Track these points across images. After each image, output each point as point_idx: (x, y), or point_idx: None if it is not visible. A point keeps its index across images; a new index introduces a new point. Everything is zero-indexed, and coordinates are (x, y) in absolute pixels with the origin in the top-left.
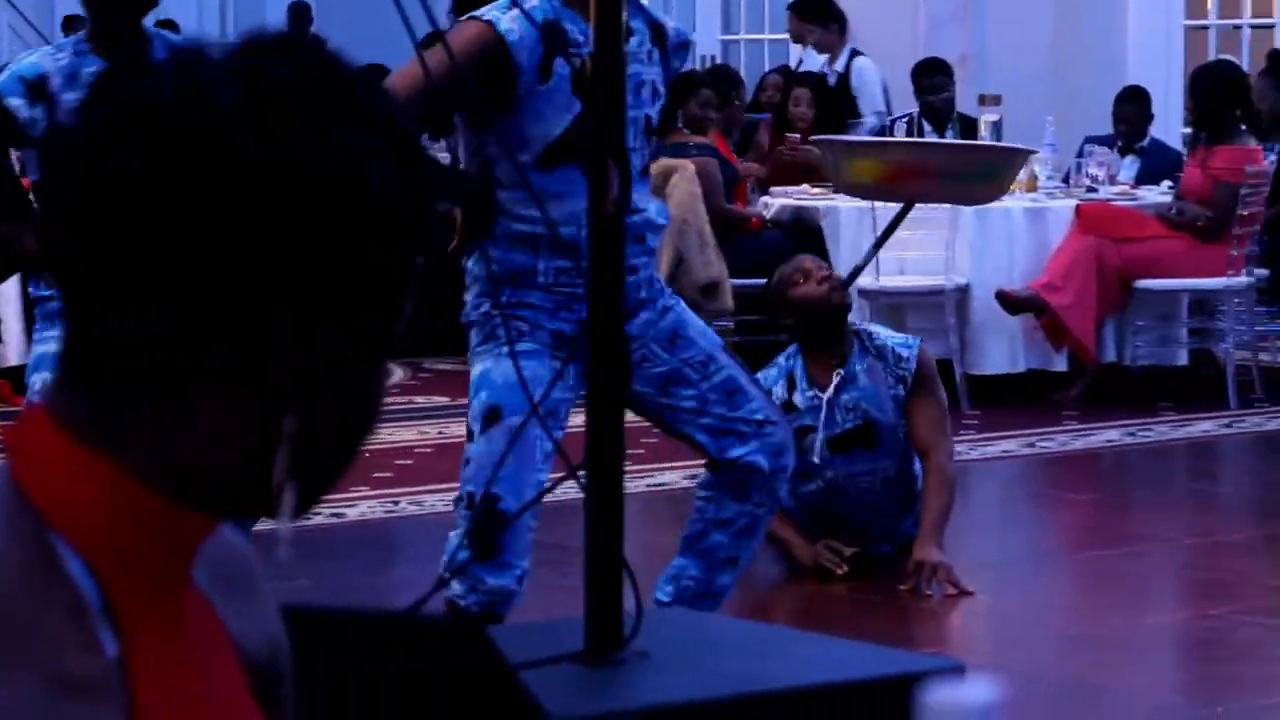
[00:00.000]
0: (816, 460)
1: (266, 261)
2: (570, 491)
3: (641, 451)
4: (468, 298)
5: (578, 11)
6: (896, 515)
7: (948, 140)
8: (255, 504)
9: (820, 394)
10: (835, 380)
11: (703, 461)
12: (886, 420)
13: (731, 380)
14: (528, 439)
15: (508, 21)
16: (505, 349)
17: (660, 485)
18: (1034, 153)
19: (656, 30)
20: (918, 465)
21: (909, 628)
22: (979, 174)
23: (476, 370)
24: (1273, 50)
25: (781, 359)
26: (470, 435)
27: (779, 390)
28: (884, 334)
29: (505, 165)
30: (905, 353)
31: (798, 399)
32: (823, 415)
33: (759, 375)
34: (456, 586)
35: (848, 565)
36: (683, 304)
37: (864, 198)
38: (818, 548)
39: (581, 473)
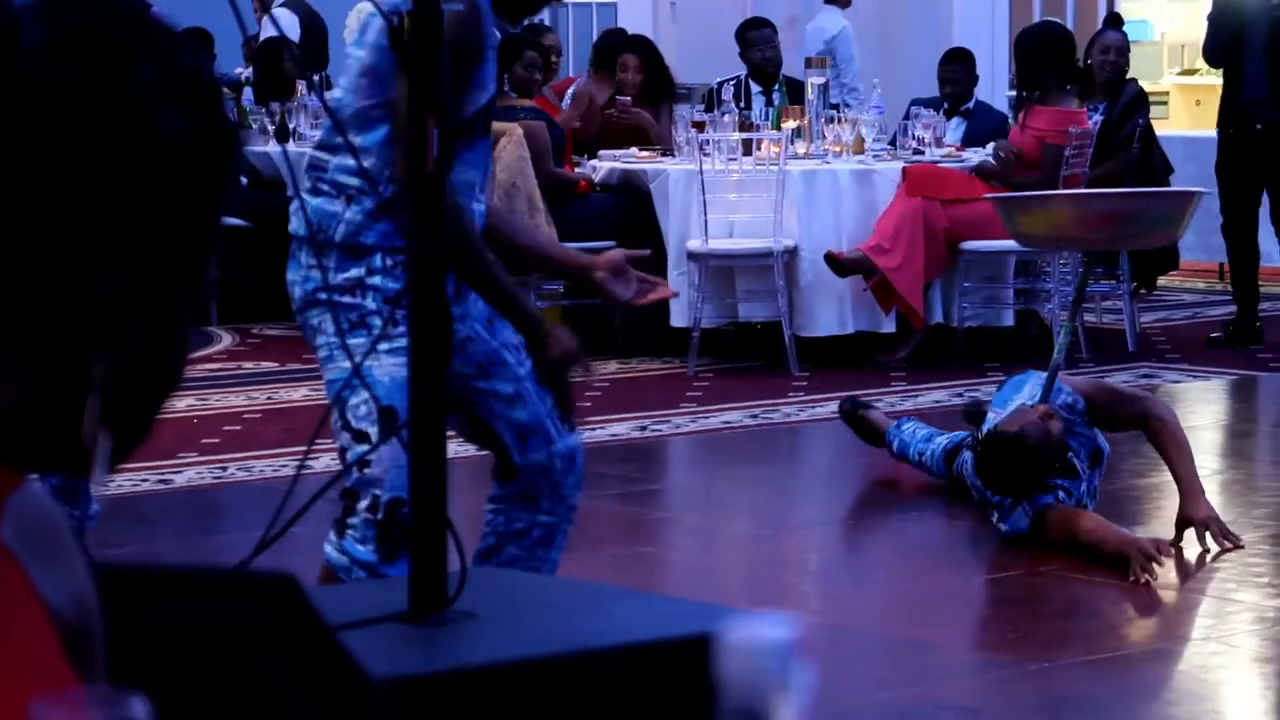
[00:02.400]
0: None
1: (63, 199)
2: None
3: None
4: (314, 276)
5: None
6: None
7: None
8: (63, 456)
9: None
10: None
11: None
12: (1090, 447)
13: (535, 419)
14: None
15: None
16: (384, 344)
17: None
18: (1204, 193)
19: None
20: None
21: (736, 586)
22: (1155, 220)
23: (345, 363)
24: (1112, 12)
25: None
26: (360, 437)
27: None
28: (1058, 401)
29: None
30: (1068, 400)
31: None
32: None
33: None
34: (360, 576)
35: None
36: (502, 326)
37: (1036, 247)
38: (1140, 543)
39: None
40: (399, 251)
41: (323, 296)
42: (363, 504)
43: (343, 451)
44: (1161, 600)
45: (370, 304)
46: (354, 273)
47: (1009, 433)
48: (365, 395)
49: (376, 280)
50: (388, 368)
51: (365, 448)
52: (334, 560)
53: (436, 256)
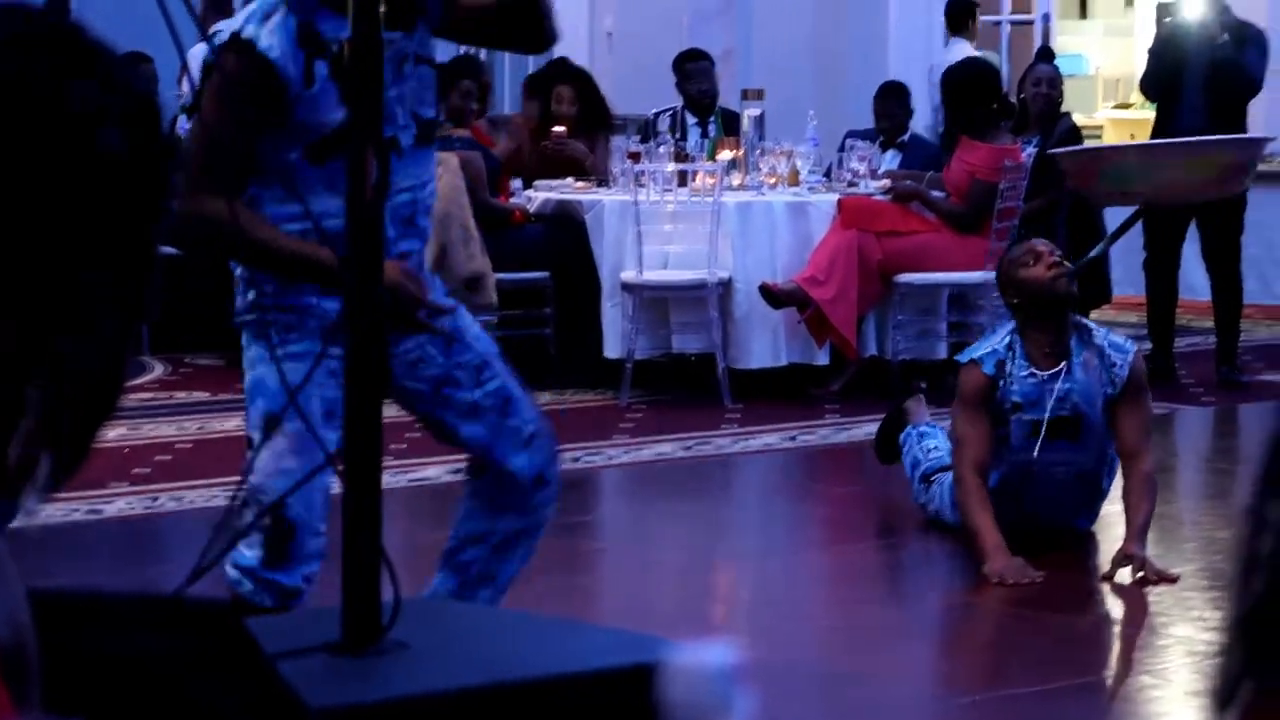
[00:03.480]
0: (1014, 443)
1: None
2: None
3: (404, 446)
4: (239, 299)
5: (332, 9)
6: (1075, 511)
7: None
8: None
9: (1038, 372)
10: (1055, 368)
11: (465, 458)
12: (1094, 417)
13: (504, 389)
14: (309, 443)
15: (266, 36)
16: (279, 350)
17: (422, 480)
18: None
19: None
20: (1108, 469)
21: (669, 618)
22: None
23: (250, 376)
24: (1044, 46)
25: (1004, 331)
26: (250, 444)
27: (1001, 349)
28: (1102, 333)
29: (275, 163)
30: (1118, 358)
31: (1013, 369)
32: (1036, 397)
33: (983, 346)
34: (248, 585)
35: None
36: (463, 310)
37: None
38: (1012, 565)
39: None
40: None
41: (247, 318)
42: (249, 507)
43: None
44: (1095, 633)
45: (268, 314)
46: (251, 292)
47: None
48: (259, 404)
49: (270, 289)
50: (278, 374)
51: (253, 454)
52: (228, 575)
53: (374, 287)
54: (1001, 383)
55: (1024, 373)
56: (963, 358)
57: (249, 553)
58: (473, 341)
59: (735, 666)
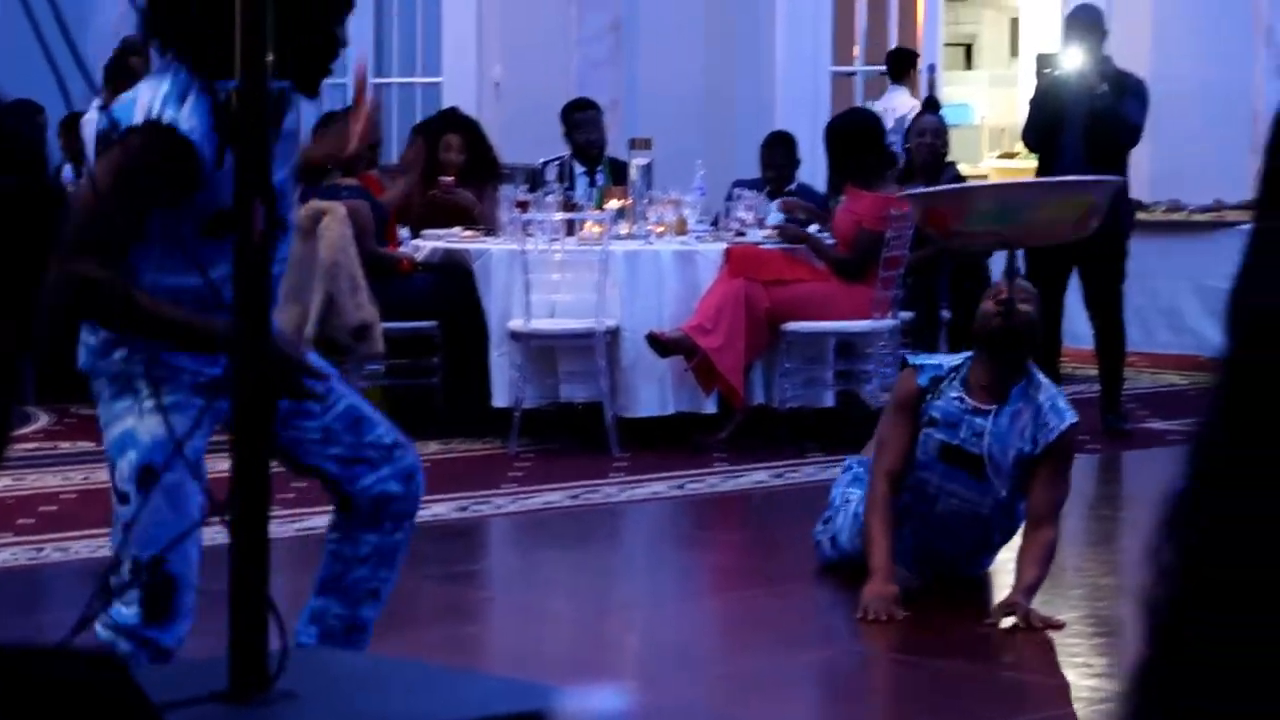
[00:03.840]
0: (920, 458)
1: None
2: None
3: (291, 495)
4: (90, 343)
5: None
6: (969, 554)
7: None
8: None
9: (968, 400)
10: (986, 405)
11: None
12: (1003, 466)
13: (353, 409)
14: (185, 496)
15: (186, 120)
16: (148, 404)
17: (309, 529)
18: (1108, 184)
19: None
20: (1004, 524)
21: (557, 665)
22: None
23: (117, 430)
24: (930, 96)
25: (963, 356)
26: (124, 498)
27: (945, 367)
28: (1051, 393)
29: (166, 234)
30: (1053, 421)
31: (946, 388)
32: (955, 421)
33: (933, 359)
34: (125, 645)
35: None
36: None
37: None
38: (882, 598)
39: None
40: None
41: (111, 373)
42: (125, 567)
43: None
44: (981, 680)
45: (136, 368)
46: (120, 350)
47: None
48: (130, 457)
49: (141, 349)
50: (150, 427)
51: (128, 508)
52: (100, 637)
53: (263, 339)
54: (929, 396)
55: (954, 394)
56: (910, 359)
57: (127, 610)
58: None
59: (625, 713)
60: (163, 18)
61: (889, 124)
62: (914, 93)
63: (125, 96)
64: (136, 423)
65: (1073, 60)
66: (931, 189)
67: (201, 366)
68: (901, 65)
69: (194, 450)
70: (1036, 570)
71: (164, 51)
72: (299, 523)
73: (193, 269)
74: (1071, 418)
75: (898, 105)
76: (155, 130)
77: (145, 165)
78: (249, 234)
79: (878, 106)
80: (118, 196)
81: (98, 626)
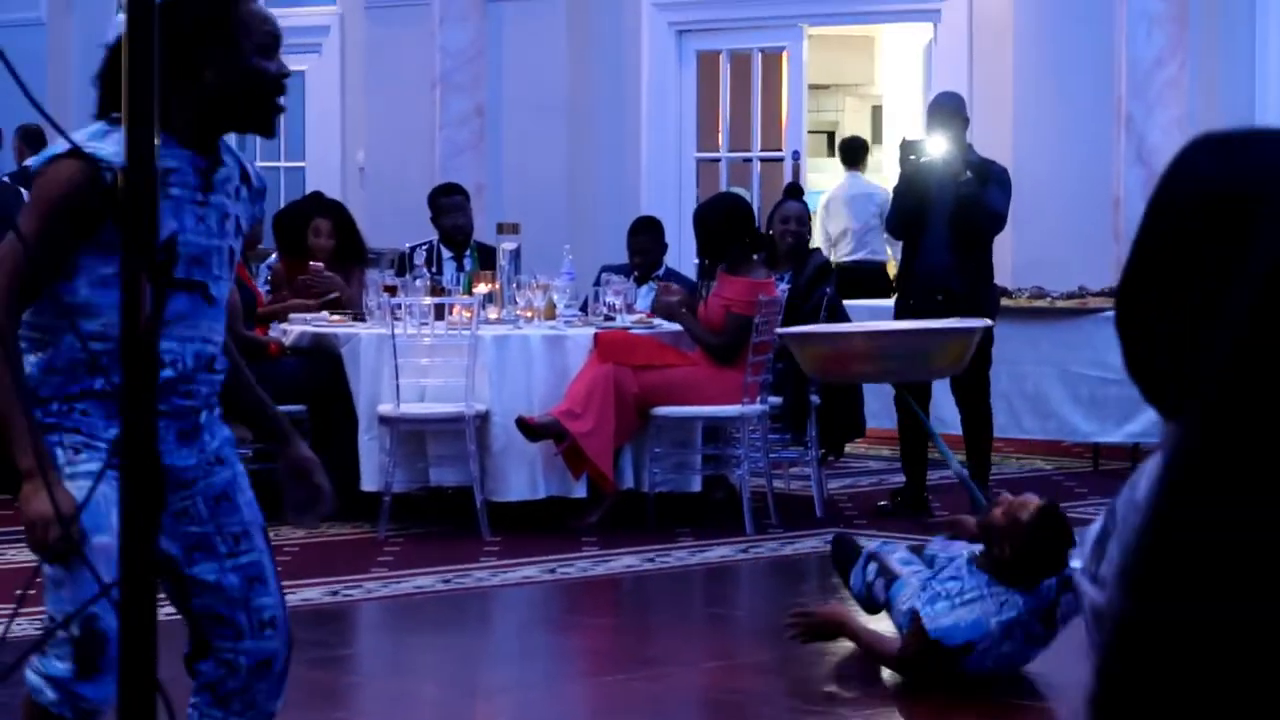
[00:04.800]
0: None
1: None
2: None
3: None
4: None
5: (171, 135)
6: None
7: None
8: None
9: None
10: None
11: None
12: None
13: (257, 566)
14: (111, 557)
15: (105, 148)
16: (69, 469)
17: None
18: (978, 329)
19: (243, 171)
20: None
21: None
22: (925, 353)
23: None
24: (793, 182)
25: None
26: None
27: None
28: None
29: (89, 274)
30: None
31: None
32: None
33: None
34: (51, 695)
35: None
36: (241, 468)
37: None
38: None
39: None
40: (72, 399)
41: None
42: (52, 620)
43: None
44: None
45: (53, 437)
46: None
47: (1025, 519)
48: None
49: (52, 422)
50: (73, 492)
51: (55, 570)
52: (30, 682)
53: (150, 417)
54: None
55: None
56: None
57: (60, 664)
58: (243, 506)
59: None
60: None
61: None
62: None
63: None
64: (68, 485)
65: (937, 147)
66: (808, 330)
67: (112, 425)
68: (856, 152)
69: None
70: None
71: (106, 112)
72: None
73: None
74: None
75: (851, 190)
76: (75, 155)
77: (65, 193)
78: (135, 321)
79: (838, 193)
80: (40, 226)
81: (28, 672)
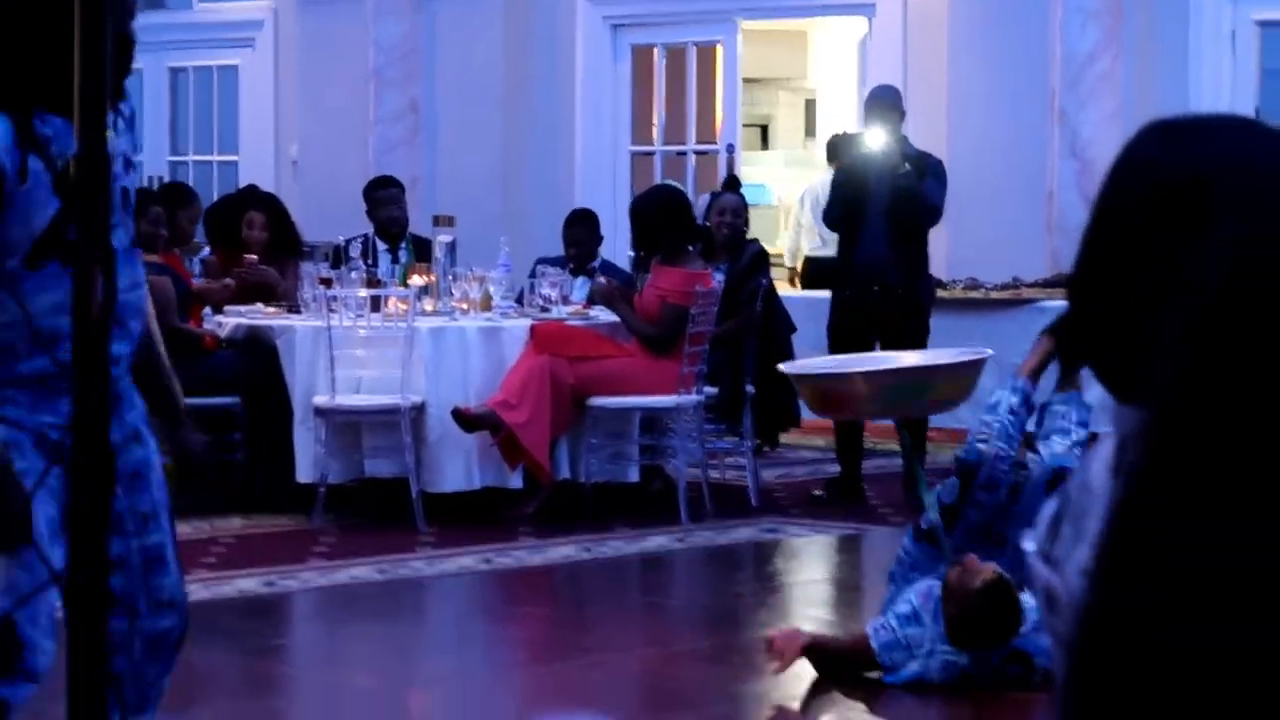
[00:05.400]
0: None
1: None
2: None
3: None
4: None
5: (47, 109)
6: None
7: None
8: None
9: None
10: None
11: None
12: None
13: (160, 548)
14: (35, 561)
15: None
16: None
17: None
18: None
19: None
20: None
21: None
22: (916, 390)
23: None
24: (730, 175)
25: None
26: None
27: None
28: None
29: None
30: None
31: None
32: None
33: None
34: None
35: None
36: (154, 444)
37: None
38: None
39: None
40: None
41: None
42: None
43: None
44: None
45: None
46: None
47: (974, 588)
48: None
49: None
50: None
51: None
52: None
53: (102, 407)
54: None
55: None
56: None
57: None
58: (154, 485)
59: None
60: None
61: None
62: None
63: None
64: None
65: (875, 140)
66: (820, 373)
67: (48, 419)
68: (837, 150)
69: (50, 518)
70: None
71: None
72: None
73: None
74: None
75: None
76: None
77: None
78: (87, 309)
79: (819, 188)
80: None
81: None
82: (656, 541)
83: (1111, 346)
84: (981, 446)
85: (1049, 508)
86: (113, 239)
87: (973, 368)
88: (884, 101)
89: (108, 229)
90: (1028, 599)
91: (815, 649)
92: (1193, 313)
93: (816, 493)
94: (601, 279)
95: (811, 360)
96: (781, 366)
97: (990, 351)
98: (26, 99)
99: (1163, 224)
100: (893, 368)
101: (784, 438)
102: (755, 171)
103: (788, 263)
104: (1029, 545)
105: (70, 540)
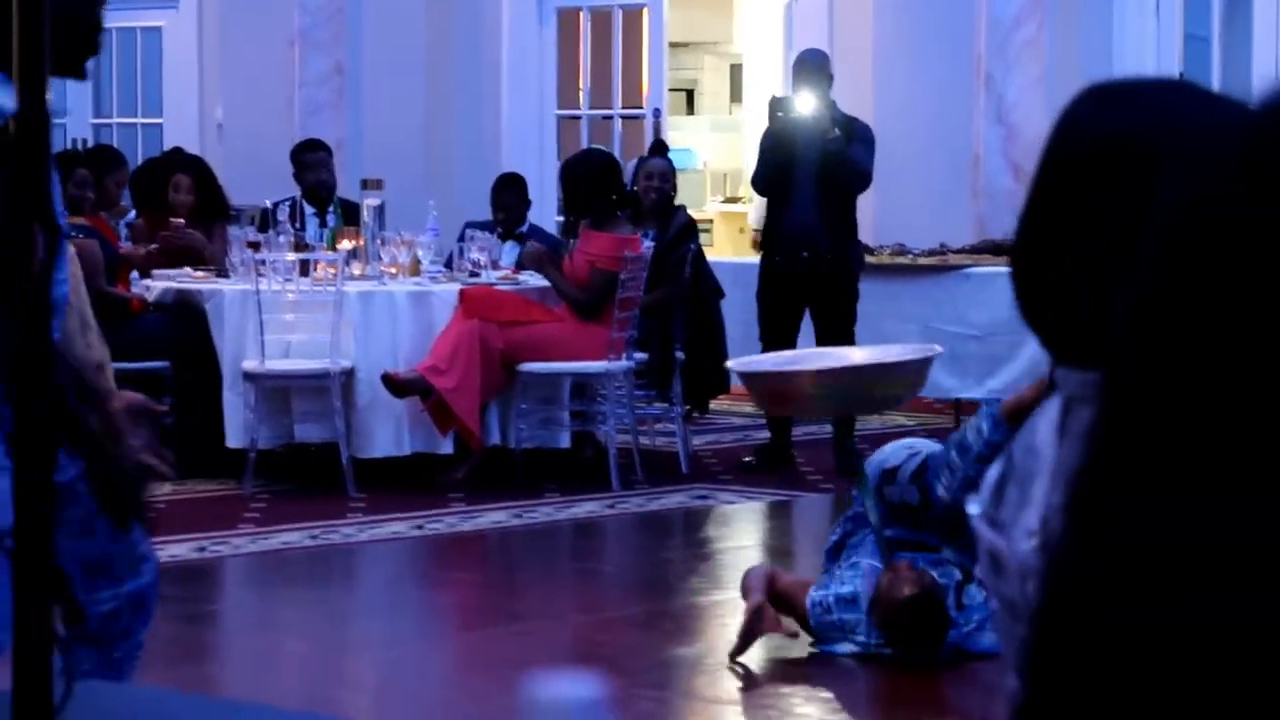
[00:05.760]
0: None
1: None
2: None
3: None
4: None
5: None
6: None
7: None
8: None
9: None
10: None
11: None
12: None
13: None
14: None
15: None
16: None
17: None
18: (930, 358)
19: None
20: None
21: (297, 706)
22: (895, 383)
23: None
24: (658, 139)
25: None
26: None
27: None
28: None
29: None
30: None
31: None
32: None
33: None
34: None
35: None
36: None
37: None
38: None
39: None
40: None
41: None
42: None
43: None
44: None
45: None
46: None
47: (904, 596)
48: None
49: None
50: None
51: None
52: None
53: (44, 355)
54: None
55: None
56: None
57: None
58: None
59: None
60: None
61: None
62: None
63: None
64: None
65: (805, 105)
66: (764, 370)
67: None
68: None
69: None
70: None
71: None
72: None
73: None
74: None
75: None
76: None
77: None
78: (29, 265)
79: None
80: None
81: None
82: (587, 508)
83: (1051, 311)
84: (940, 493)
85: (993, 472)
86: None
87: (923, 366)
88: (812, 65)
89: (48, 187)
90: (975, 594)
91: (780, 598)
92: (1140, 282)
93: (747, 459)
94: (532, 243)
95: (759, 357)
96: (730, 364)
97: (939, 349)
98: None
99: (1096, 187)
100: (842, 366)
101: (713, 404)
102: (681, 136)
103: (753, 225)
104: (973, 509)
105: (16, 489)
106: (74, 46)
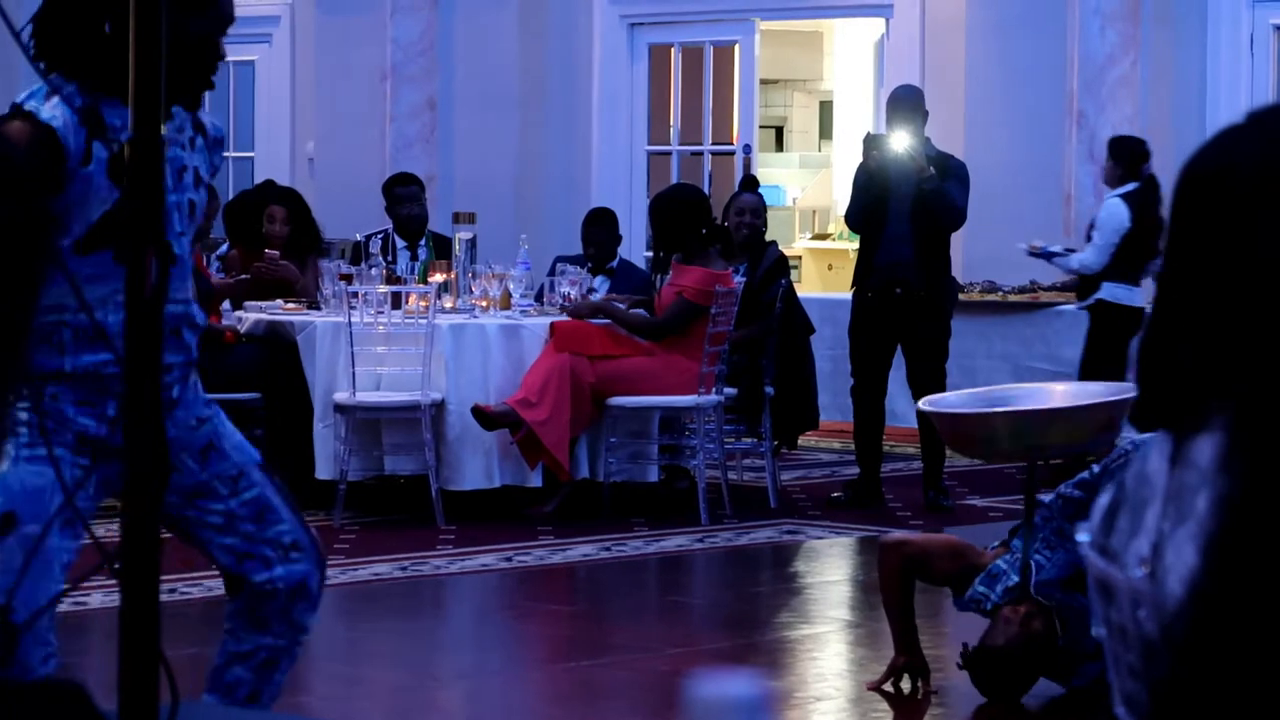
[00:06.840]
0: None
1: None
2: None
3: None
4: None
5: (119, 100)
6: None
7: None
8: None
9: None
10: None
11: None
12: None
13: (262, 499)
14: (46, 550)
15: (48, 110)
16: (26, 451)
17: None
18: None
19: (196, 120)
20: None
21: None
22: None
23: None
24: (748, 175)
25: None
26: None
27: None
28: None
29: None
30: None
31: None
32: None
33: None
34: None
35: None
36: (223, 415)
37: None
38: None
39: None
40: (44, 379)
41: None
42: None
43: None
44: None
45: (21, 414)
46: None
47: (996, 646)
48: None
49: (30, 391)
50: (23, 475)
51: None
52: None
53: (155, 390)
54: None
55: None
56: None
57: None
58: (231, 451)
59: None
60: (51, 39)
61: None
62: None
63: None
64: (9, 468)
65: (900, 142)
66: (959, 411)
67: (89, 423)
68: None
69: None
70: None
71: (49, 73)
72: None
73: (66, 290)
74: None
75: None
76: (14, 114)
77: (6, 147)
78: (141, 288)
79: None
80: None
81: None
82: (676, 541)
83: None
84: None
85: (1104, 499)
86: (177, 247)
87: (1119, 407)
88: (907, 102)
89: (162, 212)
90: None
91: (914, 563)
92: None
93: (835, 494)
94: (576, 298)
95: (949, 395)
96: (921, 404)
97: (1130, 393)
98: (97, 87)
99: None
100: (1037, 408)
101: (802, 439)
102: (770, 173)
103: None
104: (1083, 537)
105: (125, 515)
106: (190, 76)
